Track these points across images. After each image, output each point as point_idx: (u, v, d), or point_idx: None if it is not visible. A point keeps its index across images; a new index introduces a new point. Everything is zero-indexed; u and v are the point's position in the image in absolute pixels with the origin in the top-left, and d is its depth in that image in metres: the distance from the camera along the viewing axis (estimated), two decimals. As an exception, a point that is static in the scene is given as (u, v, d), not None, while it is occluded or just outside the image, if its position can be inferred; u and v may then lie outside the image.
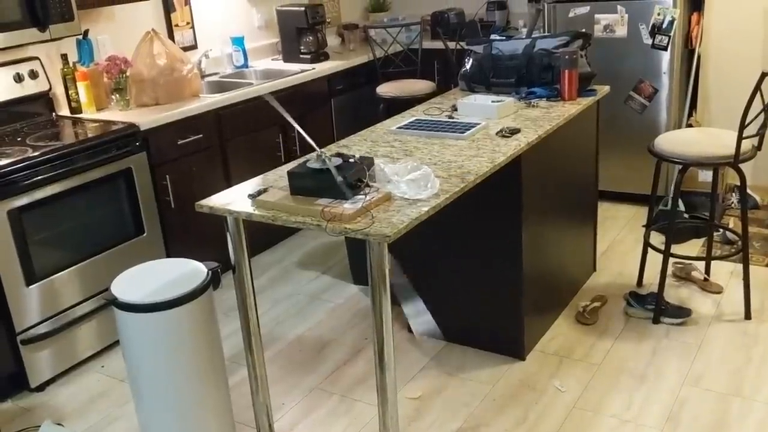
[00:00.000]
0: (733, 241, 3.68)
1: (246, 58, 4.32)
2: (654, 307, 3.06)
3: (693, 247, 3.71)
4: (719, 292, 3.26)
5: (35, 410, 2.78)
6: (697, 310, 3.12)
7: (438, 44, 4.60)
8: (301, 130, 2.20)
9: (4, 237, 2.69)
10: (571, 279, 3.32)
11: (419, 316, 3.02)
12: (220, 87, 3.94)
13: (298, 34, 4.34)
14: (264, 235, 3.99)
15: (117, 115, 3.33)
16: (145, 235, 3.21)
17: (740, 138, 2.83)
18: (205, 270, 2.26)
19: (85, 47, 3.46)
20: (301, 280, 3.70)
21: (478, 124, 2.74)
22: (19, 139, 3.04)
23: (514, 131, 2.65)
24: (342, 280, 3.65)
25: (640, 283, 3.38)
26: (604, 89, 3.24)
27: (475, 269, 2.85)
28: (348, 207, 1.98)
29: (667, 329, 3.01)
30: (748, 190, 3.74)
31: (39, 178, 2.78)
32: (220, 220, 2.19)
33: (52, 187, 2.83)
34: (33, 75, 3.27)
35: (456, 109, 2.98)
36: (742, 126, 2.80)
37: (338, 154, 2.15)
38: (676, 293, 3.27)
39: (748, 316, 3.05)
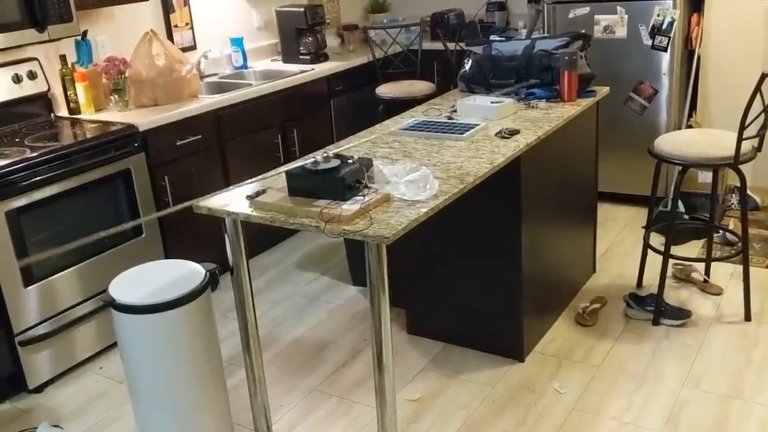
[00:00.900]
0: (733, 243, 3.68)
1: (245, 59, 4.31)
2: (654, 309, 3.05)
3: (693, 248, 3.70)
4: (719, 294, 3.25)
5: (33, 412, 2.77)
6: (697, 312, 3.11)
7: (438, 45, 4.59)
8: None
9: (3, 238, 2.68)
10: (571, 280, 3.31)
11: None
12: (219, 88, 3.94)
13: (298, 34, 4.34)
14: (262, 237, 3.99)
15: (116, 115, 3.33)
16: (143, 236, 3.21)
17: (740, 139, 2.82)
18: (204, 271, 2.25)
19: (83, 48, 3.45)
20: (300, 281, 3.69)
21: (478, 125, 2.73)
22: (17, 139, 3.03)
23: (514, 132, 2.64)
24: (341, 281, 3.64)
25: (639, 284, 3.38)
26: (603, 90, 3.23)
27: (474, 270, 2.84)
28: (346, 208, 1.97)
29: (667, 331, 3.01)
30: (748, 192, 3.73)
31: (37, 178, 2.77)
32: (219, 222, 2.18)
33: (51, 188, 2.82)
34: (32, 76, 3.27)
35: (455, 110, 2.98)
36: (742, 127, 2.79)
37: (337, 155, 2.14)
38: (676, 295, 3.27)
39: (748, 317, 3.05)
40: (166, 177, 3.30)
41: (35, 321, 2.82)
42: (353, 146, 2.62)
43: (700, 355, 2.83)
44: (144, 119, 3.21)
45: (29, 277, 2.78)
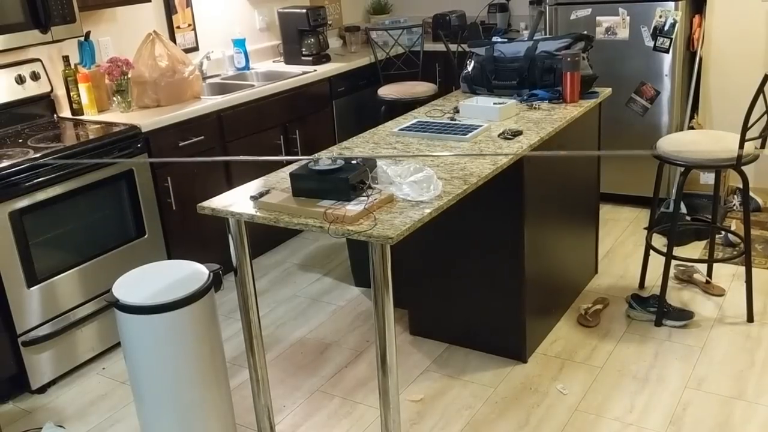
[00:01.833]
0: (735, 244, 3.68)
1: (247, 60, 4.32)
2: (656, 310, 3.05)
3: (695, 249, 3.70)
4: (721, 295, 3.26)
5: (36, 412, 2.77)
6: (700, 313, 3.11)
7: (439, 46, 4.60)
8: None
9: (6, 238, 2.69)
10: (573, 281, 3.31)
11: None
12: (221, 89, 3.94)
13: (300, 36, 4.34)
14: (265, 237, 3.99)
15: (118, 116, 3.33)
16: (146, 236, 3.21)
17: (742, 140, 2.83)
18: (207, 272, 2.25)
19: (86, 49, 3.46)
20: (303, 282, 3.69)
21: (480, 126, 2.74)
22: (20, 140, 3.03)
23: (516, 133, 2.65)
24: (344, 282, 3.65)
25: (642, 285, 3.38)
26: (605, 91, 3.23)
27: (477, 271, 2.84)
28: (351, 209, 1.98)
29: (670, 332, 3.01)
30: (751, 193, 3.73)
31: (40, 179, 2.77)
32: (222, 222, 2.18)
33: (54, 189, 2.83)
34: (35, 77, 3.27)
35: (458, 111, 2.98)
36: (745, 128, 2.80)
37: (341, 156, 2.14)
38: (678, 296, 3.27)
39: (750, 318, 3.05)
40: (168, 178, 3.30)
41: (38, 321, 2.83)
42: (356, 147, 2.63)
43: (702, 356, 2.83)
44: (147, 120, 3.22)
45: (32, 277, 2.78)
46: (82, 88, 3.35)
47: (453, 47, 4.44)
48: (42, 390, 2.88)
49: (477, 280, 2.86)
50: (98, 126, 3.21)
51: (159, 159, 3.23)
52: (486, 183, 2.28)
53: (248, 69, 4.32)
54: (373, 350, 3.00)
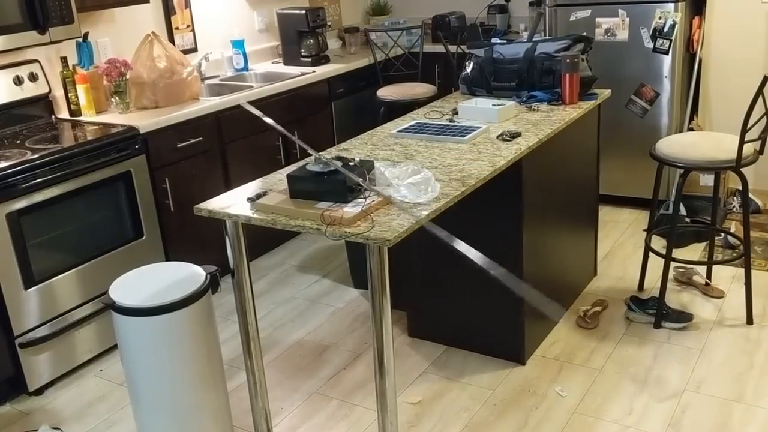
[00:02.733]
0: (734, 246, 3.67)
1: (246, 61, 4.31)
2: (655, 312, 3.05)
3: (694, 251, 3.70)
4: (721, 297, 3.25)
5: (33, 414, 2.77)
6: (699, 315, 3.11)
7: (439, 48, 4.59)
8: (288, 134, 2.19)
9: (3, 240, 2.68)
10: (572, 283, 3.31)
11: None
12: (220, 90, 3.94)
13: (299, 37, 4.34)
14: (263, 239, 3.98)
15: (117, 117, 3.32)
16: (144, 238, 3.20)
17: (742, 142, 2.82)
18: (204, 274, 2.25)
19: (84, 50, 3.45)
20: (301, 284, 3.69)
21: (479, 127, 2.73)
22: (18, 141, 3.03)
23: (515, 135, 2.64)
24: (342, 284, 3.64)
25: (641, 287, 3.37)
26: (605, 93, 3.23)
27: (475, 273, 2.84)
28: (348, 211, 1.97)
29: (669, 334, 3.00)
30: (750, 195, 3.72)
31: (38, 180, 2.77)
32: (220, 224, 2.18)
33: (51, 190, 2.82)
34: (33, 78, 3.27)
35: (457, 113, 2.97)
36: (744, 130, 2.79)
37: (338, 158, 2.14)
38: (677, 298, 3.26)
39: (750, 321, 3.04)
40: (166, 179, 3.29)
41: (36, 323, 2.82)
42: (354, 148, 2.62)
43: (701, 358, 2.82)
44: (145, 121, 3.21)
45: (29, 279, 2.78)
46: (80, 89, 3.35)
47: (452, 48, 4.43)
48: (39, 392, 2.87)
49: (476, 282, 2.85)
50: (96, 127, 3.20)
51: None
52: (484, 185, 2.28)
53: (247, 70, 4.32)
54: (371, 352, 2.99)
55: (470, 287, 2.87)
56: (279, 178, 2.34)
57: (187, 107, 3.43)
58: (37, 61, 3.30)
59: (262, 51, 4.58)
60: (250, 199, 2.14)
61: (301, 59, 4.35)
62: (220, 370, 2.32)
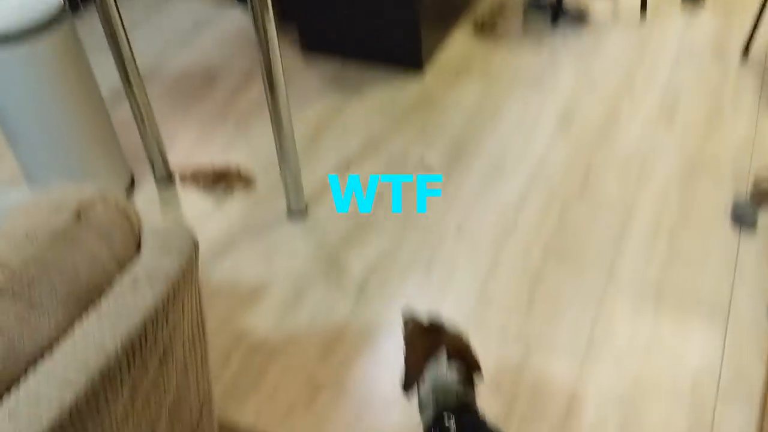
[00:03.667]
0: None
1: None
2: (554, 8, 2.99)
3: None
4: (617, -6, 3.21)
5: None
6: (594, 16, 3.08)
7: None
8: None
9: None
10: (470, -12, 3.16)
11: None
12: None
13: None
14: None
15: None
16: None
17: None
18: (60, -6, 1.97)
19: None
20: (181, 7, 3.37)
21: None
22: None
23: None
24: (224, 1, 3.35)
25: (539, -11, 3.27)
26: None
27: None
28: None
29: (564, 37, 2.98)
30: None
31: None
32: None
33: None
34: None
35: None
36: None
37: None
38: (574, 0, 3.20)
39: (643, 18, 3.04)
40: None
41: None
42: None
43: (595, 58, 2.85)
44: None
45: None
46: None
47: None
48: None
49: (368, -9, 2.66)
50: None
51: None
52: None
53: None
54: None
55: (363, -4, 2.69)
56: None
57: None
58: None
59: None
60: None
61: None
62: (99, 100, 2.15)
